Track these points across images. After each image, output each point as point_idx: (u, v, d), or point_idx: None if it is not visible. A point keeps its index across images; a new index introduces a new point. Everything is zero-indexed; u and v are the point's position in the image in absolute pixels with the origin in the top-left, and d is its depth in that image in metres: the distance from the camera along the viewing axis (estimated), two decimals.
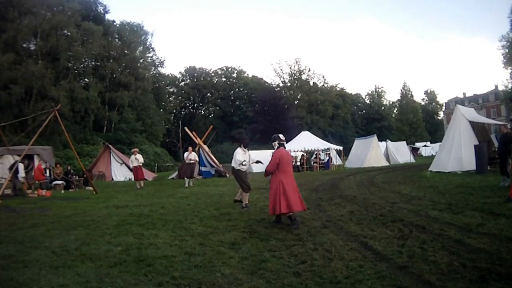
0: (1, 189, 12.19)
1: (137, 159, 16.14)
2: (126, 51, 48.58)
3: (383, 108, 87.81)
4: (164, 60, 68.63)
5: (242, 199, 8.84)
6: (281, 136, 6.95)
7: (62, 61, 39.23)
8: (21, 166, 14.98)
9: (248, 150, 9.18)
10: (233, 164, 9.00)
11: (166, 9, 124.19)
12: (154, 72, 59.42)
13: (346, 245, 4.91)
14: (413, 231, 5.46)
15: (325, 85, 78.07)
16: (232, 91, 75.08)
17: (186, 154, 17.53)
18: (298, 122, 65.56)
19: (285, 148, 7.01)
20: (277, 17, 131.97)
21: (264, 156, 22.13)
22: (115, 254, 4.83)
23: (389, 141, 38.04)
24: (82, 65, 44.62)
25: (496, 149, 12.98)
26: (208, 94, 73.27)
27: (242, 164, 8.79)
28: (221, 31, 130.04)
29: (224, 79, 74.97)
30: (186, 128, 23.94)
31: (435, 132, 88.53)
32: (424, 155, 49.83)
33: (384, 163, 28.91)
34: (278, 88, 72.47)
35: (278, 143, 6.87)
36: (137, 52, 51.59)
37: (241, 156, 8.81)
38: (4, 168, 16.22)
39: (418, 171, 18.01)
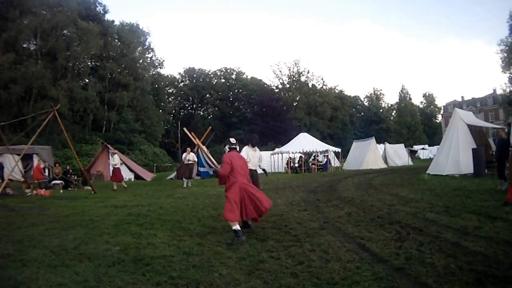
0: (0, 188, 12.20)
1: (113, 160, 16.40)
2: (125, 52, 48.60)
3: (381, 110, 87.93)
4: (164, 61, 68.71)
5: None
6: (232, 140, 6.56)
7: (60, 60, 39.23)
8: (6, 166, 15.15)
9: (256, 148, 8.50)
10: None
11: (166, 9, 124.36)
12: (153, 72, 59.49)
13: (344, 246, 4.93)
14: (410, 233, 5.48)
15: (324, 87, 78.22)
16: (231, 92, 75.08)
17: (184, 154, 17.55)
18: (297, 123, 65.63)
19: (237, 152, 6.53)
20: (277, 19, 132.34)
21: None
22: (114, 253, 4.84)
23: (387, 143, 38.09)
24: (81, 65, 44.64)
25: (494, 153, 13.04)
26: (207, 95, 73.29)
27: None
28: (220, 33, 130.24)
29: (223, 80, 74.97)
30: (185, 129, 23.74)
31: (433, 135, 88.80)
32: (422, 158, 49.88)
33: (382, 165, 28.95)
34: (277, 90, 72.56)
35: (229, 147, 6.46)
36: (137, 52, 51.63)
37: (246, 155, 8.21)
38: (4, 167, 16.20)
39: (416, 173, 18.04)
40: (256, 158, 8.56)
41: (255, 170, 8.60)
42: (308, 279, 3.73)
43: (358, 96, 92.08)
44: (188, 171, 16.56)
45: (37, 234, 6.21)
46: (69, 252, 4.94)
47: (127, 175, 23.89)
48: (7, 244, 5.50)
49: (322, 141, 34.45)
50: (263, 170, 8.76)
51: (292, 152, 28.58)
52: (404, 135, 77.12)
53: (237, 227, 5.59)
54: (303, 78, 74.63)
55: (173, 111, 70.64)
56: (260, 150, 9.02)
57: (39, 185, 15.66)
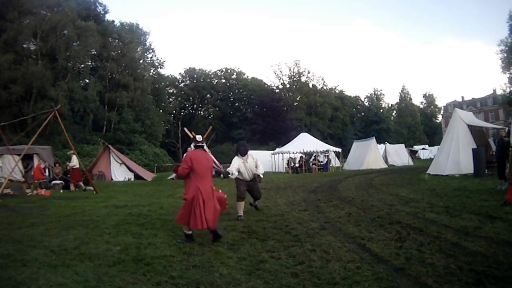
0: (0, 188, 12.19)
1: (72, 161, 16.31)
2: (125, 52, 48.58)
3: (382, 110, 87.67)
4: (164, 61, 68.73)
5: (256, 205, 8.38)
6: (197, 137, 6.20)
7: (60, 61, 39.20)
8: (6, 166, 15.18)
9: (248, 156, 7.93)
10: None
11: (166, 9, 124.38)
12: (154, 73, 59.46)
13: (344, 246, 4.94)
14: (410, 233, 5.49)
15: (324, 87, 78.18)
16: (232, 93, 75.11)
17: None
18: (297, 123, 65.55)
19: (204, 150, 6.18)
20: (277, 19, 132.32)
21: (262, 156, 21.93)
22: (114, 253, 4.84)
23: (388, 143, 38.13)
24: (81, 65, 44.61)
25: (494, 153, 13.04)
26: (208, 95, 73.31)
27: (229, 174, 7.66)
28: (221, 33, 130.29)
29: (223, 81, 74.97)
30: (185, 129, 23.88)
31: (433, 135, 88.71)
32: (422, 158, 49.91)
33: (383, 165, 28.97)
34: (278, 90, 72.53)
35: (194, 145, 6.15)
36: (137, 52, 51.60)
37: (235, 165, 7.74)
38: (4, 167, 16.22)
39: (416, 173, 18.04)
40: (249, 169, 7.84)
41: (251, 181, 7.92)
42: (308, 279, 3.74)
43: (359, 96, 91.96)
44: None
45: (37, 234, 6.20)
46: (69, 252, 4.94)
47: (127, 175, 23.93)
48: (7, 244, 5.49)
49: (323, 141, 34.46)
50: (258, 175, 8.02)
51: (293, 152, 28.59)
52: (404, 135, 77.07)
53: (188, 232, 5.50)
54: (303, 78, 74.62)
55: (174, 111, 70.56)
56: (261, 150, 8.79)
57: (39, 185, 15.67)
